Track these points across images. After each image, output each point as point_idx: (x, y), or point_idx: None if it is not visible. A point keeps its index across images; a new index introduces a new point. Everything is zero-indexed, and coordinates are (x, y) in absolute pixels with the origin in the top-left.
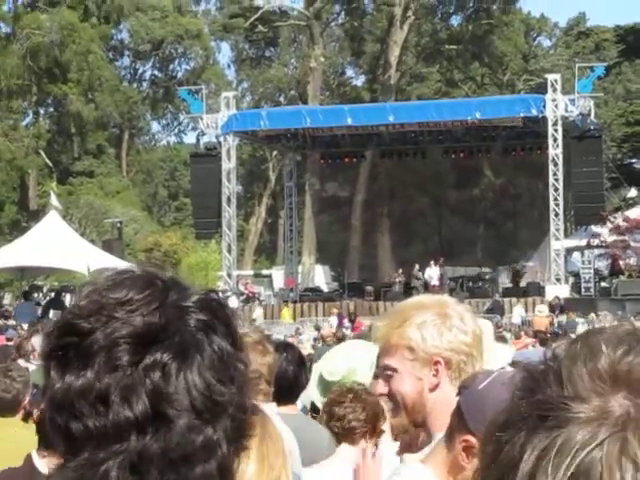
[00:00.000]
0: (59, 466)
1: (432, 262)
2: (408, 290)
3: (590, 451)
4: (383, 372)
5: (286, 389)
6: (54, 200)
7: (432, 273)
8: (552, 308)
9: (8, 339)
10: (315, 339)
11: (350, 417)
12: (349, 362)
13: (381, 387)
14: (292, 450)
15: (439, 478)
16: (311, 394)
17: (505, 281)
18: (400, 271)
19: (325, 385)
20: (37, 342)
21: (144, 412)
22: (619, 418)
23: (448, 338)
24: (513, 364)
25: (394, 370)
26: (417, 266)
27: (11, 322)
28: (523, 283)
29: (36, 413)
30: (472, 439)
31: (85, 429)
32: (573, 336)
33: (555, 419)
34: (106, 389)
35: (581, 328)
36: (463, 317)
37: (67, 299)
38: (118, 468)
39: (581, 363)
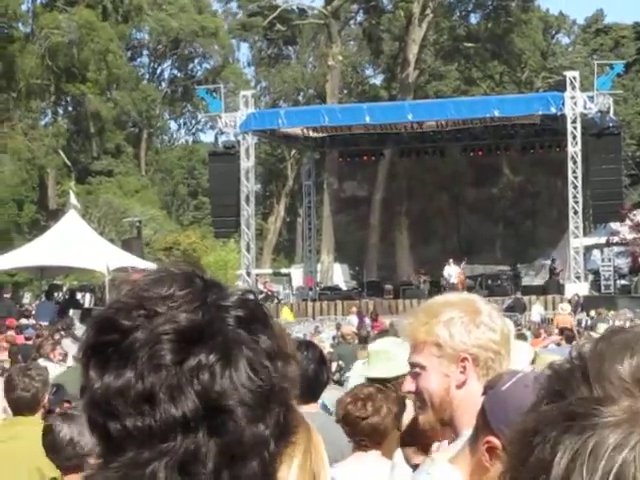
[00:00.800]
0: (98, 466)
1: (451, 260)
2: (436, 289)
3: (623, 453)
4: (412, 369)
5: (307, 388)
6: (73, 199)
7: (451, 271)
8: (572, 306)
9: (27, 338)
10: (334, 337)
11: (372, 417)
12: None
13: (409, 384)
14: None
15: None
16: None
17: (526, 279)
18: (422, 271)
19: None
20: (67, 344)
21: (193, 410)
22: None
23: (476, 335)
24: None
25: (422, 367)
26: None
27: (31, 321)
28: (542, 281)
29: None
30: (495, 440)
31: (125, 429)
32: (594, 334)
33: (586, 421)
34: (150, 388)
35: (602, 326)
36: (491, 315)
37: (86, 298)
38: (165, 468)
39: (609, 363)
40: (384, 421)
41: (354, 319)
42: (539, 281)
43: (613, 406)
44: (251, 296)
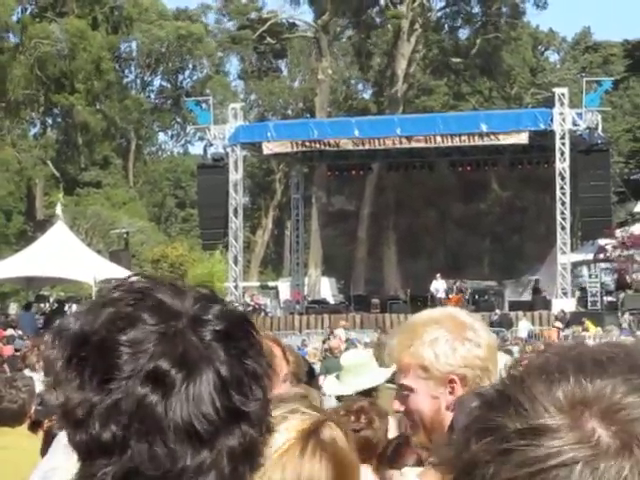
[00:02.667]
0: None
1: (438, 275)
2: (422, 304)
3: None
4: (400, 391)
5: None
6: (58, 210)
7: (438, 286)
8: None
9: (17, 350)
10: (322, 351)
11: (365, 430)
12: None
13: (397, 405)
14: None
15: None
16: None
17: (511, 295)
18: (408, 291)
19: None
20: None
21: (136, 428)
22: (593, 448)
23: (461, 354)
24: None
25: (410, 390)
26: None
27: (18, 332)
28: (529, 297)
29: (46, 424)
30: None
31: (81, 440)
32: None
33: (523, 455)
34: (95, 401)
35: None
36: (475, 329)
37: (73, 310)
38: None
39: (543, 390)
40: (376, 435)
41: (342, 333)
42: (526, 297)
43: (550, 438)
44: (234, 308)
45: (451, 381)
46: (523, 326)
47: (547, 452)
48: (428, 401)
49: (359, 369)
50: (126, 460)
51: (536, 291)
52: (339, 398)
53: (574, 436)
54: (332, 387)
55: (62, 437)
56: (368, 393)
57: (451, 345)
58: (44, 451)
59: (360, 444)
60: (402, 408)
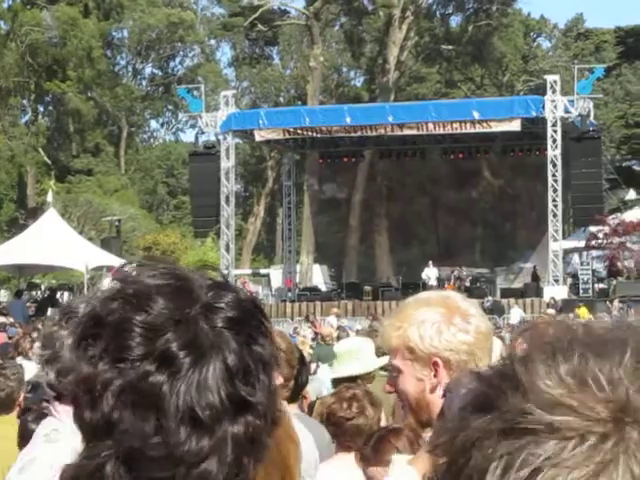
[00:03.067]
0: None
1: (430, 262)
2: (414, 291)
3: (556, 466)
4: (391, 372)
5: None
6: (49, 197)
7: (430, 273)
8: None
9: (10, 337)
10: (313, 339)
11: (357, 418)
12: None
13: (388, 387)
14: (310, 459)
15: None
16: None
17: (502, 283)
18: (400, 278)
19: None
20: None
21: (141, 410)
22: (597, 431)
23: (446, 337)
24: None
25: (399, 370)
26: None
27: (9, 319)
28: (520, 284)
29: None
30: None
31: (87, 420)
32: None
33: (519, 431)
34: (106, 381)
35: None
36: (467, 314)
37: (65, 297)
38: (113, 462)
39: (543, 368)
40: (369, 422)
41: (334, 320)
42: (518, 284)
43: (547, 416)
44: (248, 296)
45: (435, 363)
46: (515, 313)
47: (538, 428)
48: (413, 382)
49: (353, 355)
50: (129, 440)
51: (534, 277)
52: (335, 383)
53: (574, 412)
54: (327, 373)
55: (42, 428)
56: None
57: (437, 328)
58: (21, 444)
59: (351, 432)
60: (392, 389)
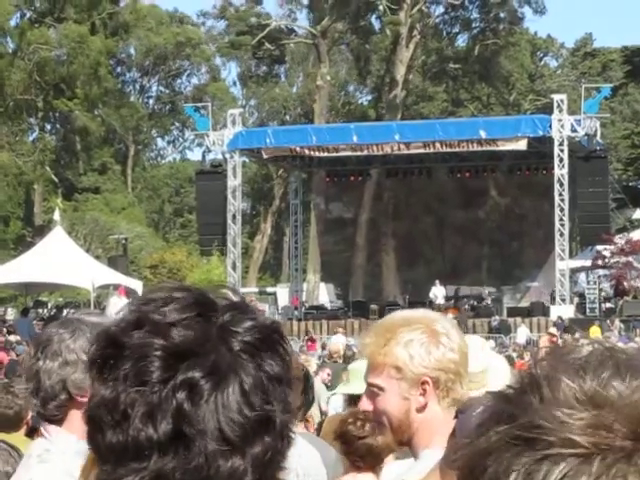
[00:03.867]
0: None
1: (437, 281)
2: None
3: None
4: (369, 389)
5: None
6: (56, 215)
7: (437, 292)
8: (556, 328)
9: (18, 355)
10: (320, 357)
11: (369, 437)
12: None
13: (366, 404)
14: (314, 474)
15: None
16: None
17: (509, 302)
18: (407, 297)
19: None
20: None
21: (167, 433)
22: (607, 449)
23: (436, 357)
24: None
25: (380, 389)
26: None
27: (17, 337)
28: (527, 303)
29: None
30: None
31: (107, 443)
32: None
33: (540, 445)
34: (130, 404)
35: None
36: (450, 333)
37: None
38: None
39: (565, 386)
40: (380, 443)
41: (341, 338)
42: (524, 303)
43: (569, 432)
44: (269, 322)
45: (424, 382)
46: (521, 332)
47: (558, 441)
48: (398, 402)
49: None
50: (158, 465)
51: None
52: (349, 400)
53: (594, 429)
54: (340, 388)
55: (34, 450)
56: None
57: (426, 348)
58: None
59: (362, 451)
60: (370, 408)
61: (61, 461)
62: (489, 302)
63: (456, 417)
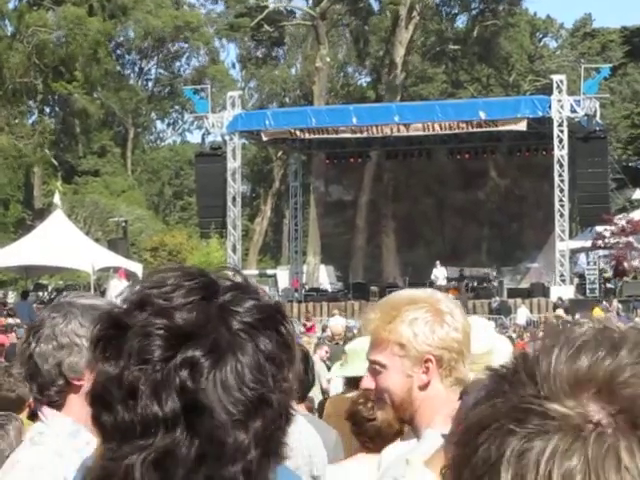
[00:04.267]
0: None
1: (438, 262)
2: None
3: (570, 457)
4: (371, 366)
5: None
6: (56, 198)
7: (438, 273)
8: (555, 309)
9: (19, 338)
10: (319, 338)
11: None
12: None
13: (368, 382)
14: (318, 454)
15: None
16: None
17: (509, 283)
18: (407, 279)
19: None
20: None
21: (172, 409)
22: (597, 425)
23: (440, 335)
24: None
25: (383, 366)
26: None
27: (16, 320)
28: (527, 284)
29: None
30: None
31: (113, 421)
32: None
33: (532, 420)
34: (134, 382)
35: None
36: (454, 313)
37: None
38: (142, 464)
39: (558, 363)
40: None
41: (340, 320)
42: (524, 284)
43: (561, 407)
44: (271, 302)
45: (427, 361)
46: (521, 313)
47: (550, 419)
48: (401, 379)
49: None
50: (166, 441)
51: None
52: (349, 383)
53: (576, 410)
54: (337, 371)
55: (29, 433)
56: None
57: (431, 327)
58: None
59: (370, 432)
60: (372, 385)
61: (54, 442)
62: (495, 283)
63: (461, 399)
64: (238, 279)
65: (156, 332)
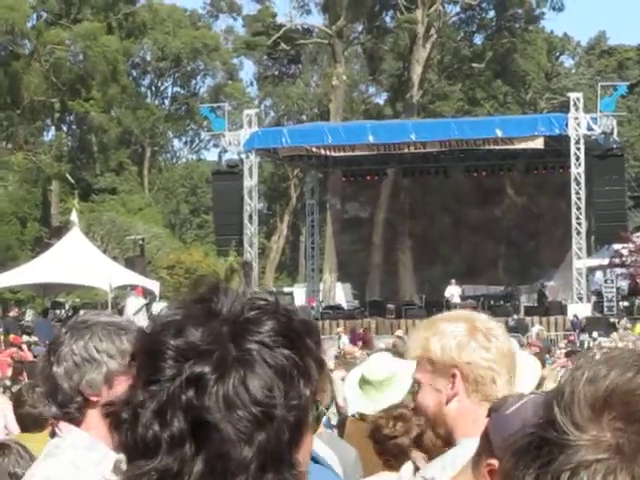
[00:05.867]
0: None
1: (453, 281)
2: (437, 309)
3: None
4: (413, 384)
5: None
6: (73, 216)
7: (453, 291)
8: (572, 327)
9: (35, 356)
10: (336, 356)
11: (401, 437)
12: (392, 366)
13: (412, 403)
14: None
15: None
16: (353, 402)
17: (526, 301)
18: (423, 296)
19: (367, 384)
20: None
21: (179, 427)
22: (612, 448)
23: (466, 351)
24: None
25: (419, 383)
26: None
27: (33, 338)
28: (540, 302)
29: None
30: (496, 463)
31: (122, 440)
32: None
33: (553, 448)
34: (142, 402)
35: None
36: (490, 333)
37: None
38: None
39: (578, 389)
40: (412, 443)
41: (345, 339)
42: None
43: (578, 432)
44: (295, 324)
45: (453, 375)
46: (534, 330)
47: (567, 444)
48: (432, 394)
49: (384, 384)
50: (167, 458)
51: (541, 295)
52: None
53: (593, 434)
54: (356, 403)
55: (46, 447)
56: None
57: (459, 342)
58: None
59: (393, 451)
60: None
61: (69, 454)
62: (517, 302)
63: (489, 416)
64: (270, 299)
65: (165, 351)
